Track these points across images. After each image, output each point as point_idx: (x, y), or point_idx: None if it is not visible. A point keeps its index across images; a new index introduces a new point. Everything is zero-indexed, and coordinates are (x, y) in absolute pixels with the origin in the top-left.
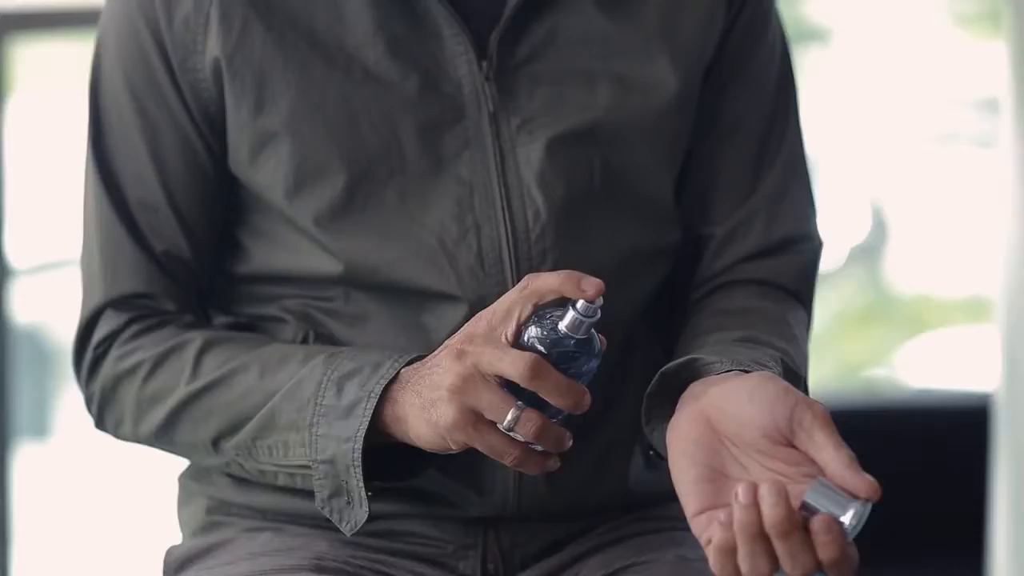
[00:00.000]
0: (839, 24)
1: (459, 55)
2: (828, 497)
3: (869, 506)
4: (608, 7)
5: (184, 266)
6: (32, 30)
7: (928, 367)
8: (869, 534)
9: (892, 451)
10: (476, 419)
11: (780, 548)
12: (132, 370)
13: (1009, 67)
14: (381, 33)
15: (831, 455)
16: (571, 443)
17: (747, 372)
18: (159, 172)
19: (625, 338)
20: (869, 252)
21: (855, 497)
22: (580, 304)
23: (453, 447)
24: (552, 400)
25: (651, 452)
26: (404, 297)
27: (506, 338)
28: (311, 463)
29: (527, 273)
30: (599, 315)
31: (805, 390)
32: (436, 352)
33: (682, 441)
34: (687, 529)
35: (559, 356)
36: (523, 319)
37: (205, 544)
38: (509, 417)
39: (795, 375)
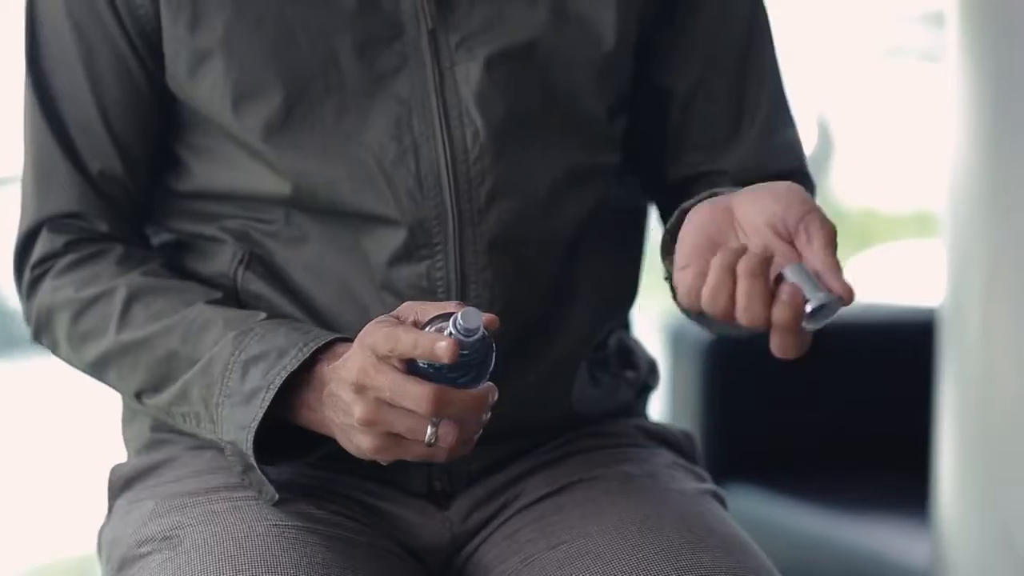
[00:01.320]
0: None
1: None
2: (804, 279)
3: (836, 309)
4: None
5: (119, 185)
6: None
7: (875, 281)
8: (816, 447)
9: (840, 366)
10: (397, 439)
11: (742, 287)
12: (64, 305)
13: None
14: None
15: (821, 255)
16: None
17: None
18: (94, 91)
19: (566, 256)
20: (815, 166)
21: (828, 291)
22: (459, 323)
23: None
24: (463, 417)
25: (665, 278)
26: (343, 219)
27: (398, 365)
28: (219, 440)
29: (466, 194)
30: (481, 331)
31: None
32: (346, 355)
33: (698, 215)
34: (633, 445)
35: (455, 368)
36: (404, 348)
37: (150, 462)
38: (428, 434)
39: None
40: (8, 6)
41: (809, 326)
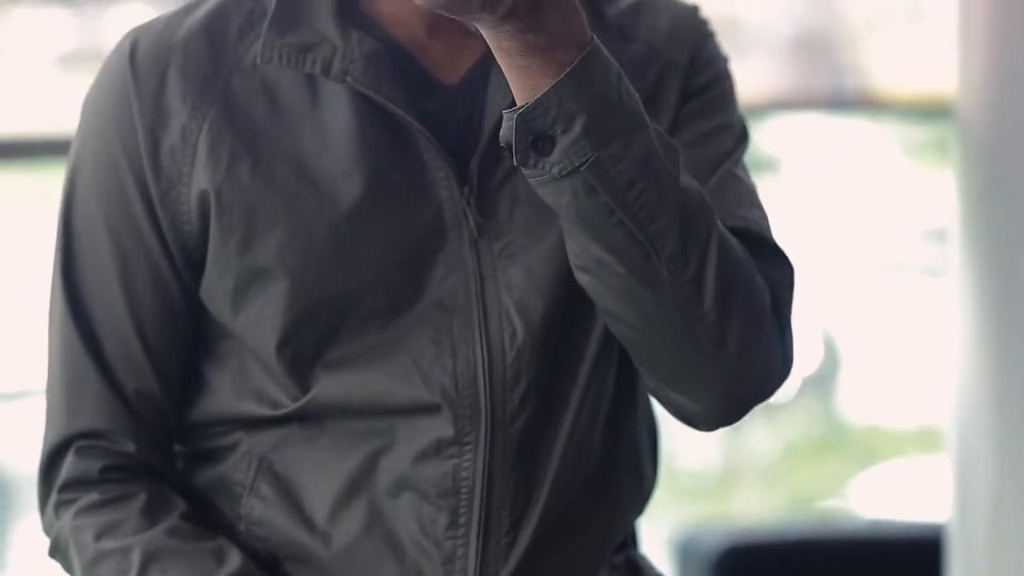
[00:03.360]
0: (788, 154)
1: (440, 180)
2: None
3: None
4: None
5: (153, 404)
6: None
7: (881, 498)
8: None
9: None
10: None
11: None
12: (83, 548)
13: (957, 197)
14: (365, 160)
15: None
16: None
17: None
18: (130, 306)
19: (593, 460)
20: (821, 382)
21: None
22: None
23: None
24: None
25: None
26: (369, 418)
27: None
28: None
29: (500, 396)
30: None
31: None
32: None
33: None
34: None
35: None
36: None
37: None
38: None
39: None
40: (24, 217)
41: None
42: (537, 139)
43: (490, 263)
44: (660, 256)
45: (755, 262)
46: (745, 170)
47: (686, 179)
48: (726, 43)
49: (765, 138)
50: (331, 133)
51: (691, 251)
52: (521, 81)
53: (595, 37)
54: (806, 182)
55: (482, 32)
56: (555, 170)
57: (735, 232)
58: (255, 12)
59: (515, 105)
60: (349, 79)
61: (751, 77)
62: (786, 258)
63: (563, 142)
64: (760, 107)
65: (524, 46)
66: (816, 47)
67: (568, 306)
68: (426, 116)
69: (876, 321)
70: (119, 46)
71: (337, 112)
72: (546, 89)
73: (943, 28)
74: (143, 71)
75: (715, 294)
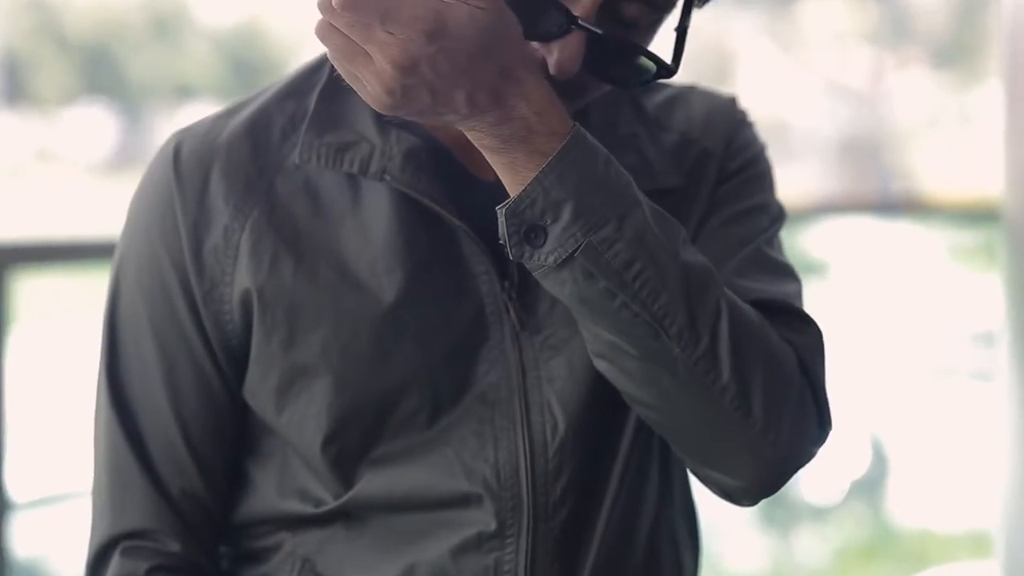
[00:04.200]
0: (836, 257)
1: (481, 275)
2: None
3: None
4: None
5: (198, 503)
6: (33, 263)
7: None
8: None
9: None
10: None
11: None
12: None
13: (1005, 301)
14: (407, 257)
15: None
16: None
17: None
18: (174, 405)
19: (640, 550)
20: (870, 486)
21: None
22: None
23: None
24: None
25: None
26: (410, 511)
27: None
28: None
29: (542, 487)
30: None
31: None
32: None
33: None
34: None
35: None
36: None
37: None
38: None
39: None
40: (72, 320)
41: None
42: (529, 231)
43: (532, 356)
44: (669, 334)
45: (781, 329)
46: (779, 248)
47: (688, 253)
48: (774, 147)
49: (813, 241)
50: (372, 231)
51: (701, 325)
52: (508, 176)
53: (577, 124)
54: (854, 285)
55: (464, 133)
56: (550, 260)
57: (760, 303)
58: (297, 114)
59: None
60: (387, 177)
61: (799, 181)
62: (813, 323)
63: (554, 231)
64: (808, 211)
65: (501, 140)
66: (863, 151)
67: (607, 397)
68: (465, 212)
69: (924, 424)
70: (163, 148)
71: (378, 210)
72: (529, 181)
73: (990, 132)
74: (187, 172)
75: (732, 366)
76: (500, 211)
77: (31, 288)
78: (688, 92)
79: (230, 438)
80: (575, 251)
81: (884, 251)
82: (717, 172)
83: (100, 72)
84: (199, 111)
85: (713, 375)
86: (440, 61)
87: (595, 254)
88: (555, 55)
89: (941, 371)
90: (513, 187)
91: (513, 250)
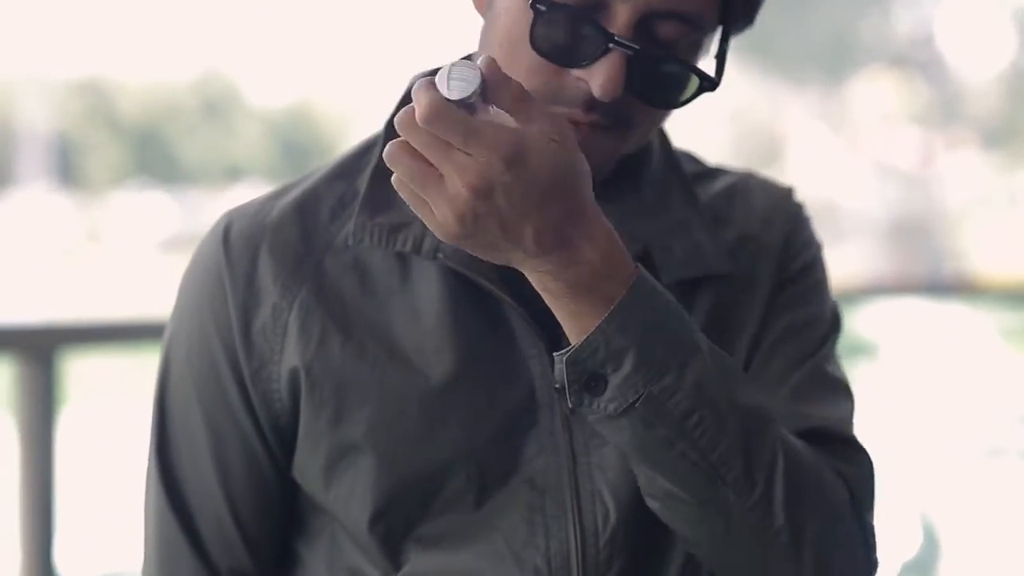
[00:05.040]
0: (886, 338)
1: (532, 358)
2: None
3: (475, 78)
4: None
5: None
6: (83, 344)
7: None
8: None
9: None
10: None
11: None
12: None
13: None
14: (457, 336)
15: None
16: None
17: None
18: (223, 484)
19: None
20: (921, 567)
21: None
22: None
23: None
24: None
25: None
26: None
27: None
28: None
29: None
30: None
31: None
32: None
33: None
34: None
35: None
36: None
37: None
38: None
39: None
40: (121, 400)
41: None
42: (590, 379)
43: (582, 442)
44: (726, 481)
45: (833, 460)
46: (835, 362)
47: (745, 396)
48: (824, 228)
49: (863, 322)
50: (421, 309)
51: (757, 472)
52: (569, 322)
53: (640, 267)
54: (904, 366)
55: (527, 276)
56: (610, 408)
57: (813, 432)
58: (347, 194)
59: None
60: (441, 255)
61: (849, 262)
62: (865, 454)
63: (615, 380)
64: (858, 292)
65: (566, 286)
66: (913, 232)
67: None
68: (517, 293)
69: (975, 505)
70: (214, 228)
71: (427, 289)
72: (592, 330)
73: None
74: (236, 252)
75: (785, 510)
76: (560, 358)
77: (82, 368)
78: (745, 182)
79: (279, 516)
80: (636, 401)
81: (934, 332)
82: (775, 273)
83: (151, 154)
84: (249, 192)
85: (767, 520)
86: (515, 190)
87: (656, 404)
88: (597, 79)
89: (991, 452)
90: (574, 333)
91: (572, 399)
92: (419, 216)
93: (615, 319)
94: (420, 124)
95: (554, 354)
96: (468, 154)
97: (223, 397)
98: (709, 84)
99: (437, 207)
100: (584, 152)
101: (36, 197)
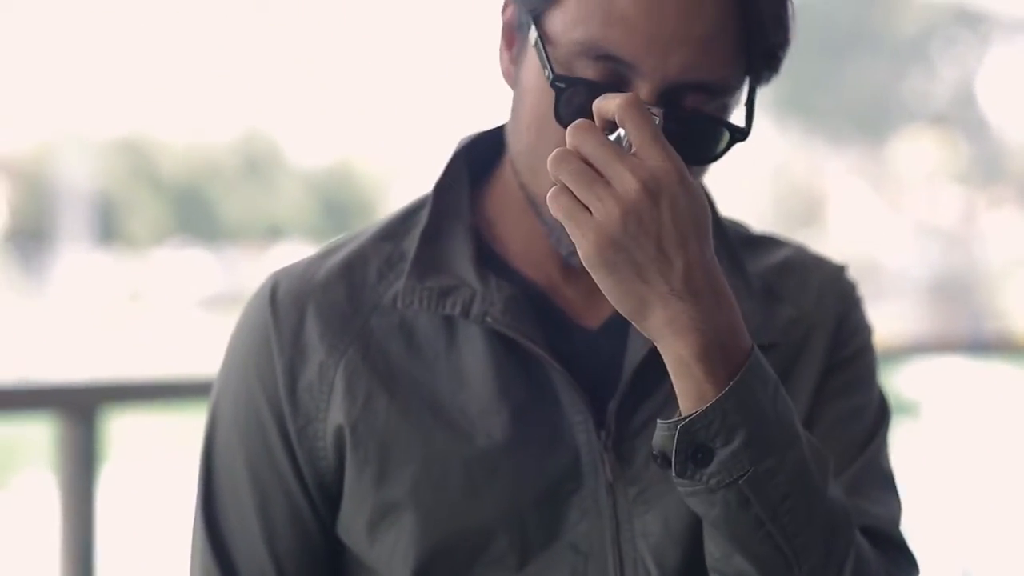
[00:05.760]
0: (928, 397)
1: (578, 423)
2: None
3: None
4: None
5: None
6: (125, 402)
7: None
8: None
9: None
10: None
11: None
12: None
13: None
14: (503, 401)
15: None
16: None
17: None
18: (269, 541)
19: None
20: None
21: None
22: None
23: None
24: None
25: None
26: None
27: None
28: None
29: None
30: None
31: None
32: None
33: None
34: None
35: None
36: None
37: None
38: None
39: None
40: (164, 458)
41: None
42: (696, 450)
43: (626, 508)
44: (802, 569)
45: (885, 564)
46: (887, 455)
47: (833, 489)
48: (865, 287)
49: (905, 381)
50: (467, 372)
51: (831, 565)
52: (688, 388)
53: (755, 346)
54: (946, 425)
55: (657, 344)
56: (712, 482)
57: (865, 530)
58: (394, 255)
59: (654, 348)
60: (489, 319)
61: (890, 321)
62: (911, 555)
63: (722, 455)
64: (899, 350)
65: (699, 346)
66: (955, 291)
67: (703, 557)
68: (564, 358)
69: (1019, 565)
70: (261, 288)
71: (474, 352)
72: (712, 401)
73: None
74: (283, 310)
75: None
76: (673, 426)
77: (123, 426)
78: (798, 258)
79: (323, 573)
80: (740, 477)
81: (976, 391)
82: (826, 355)
83: (192, 212)
84: (290, 251)
85: None
86: (681, 205)
87: (757, 483)
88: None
89: None
90: (689, 400)
91: (678, 467)
92: (568, 230)
93: (735, 394)
94: (586, 131)
95: (659, 420)
96: (634, 166)
97: (269, 454)
98: (740, 135)
99: (603, 204)
100: None
101: (78, 255)
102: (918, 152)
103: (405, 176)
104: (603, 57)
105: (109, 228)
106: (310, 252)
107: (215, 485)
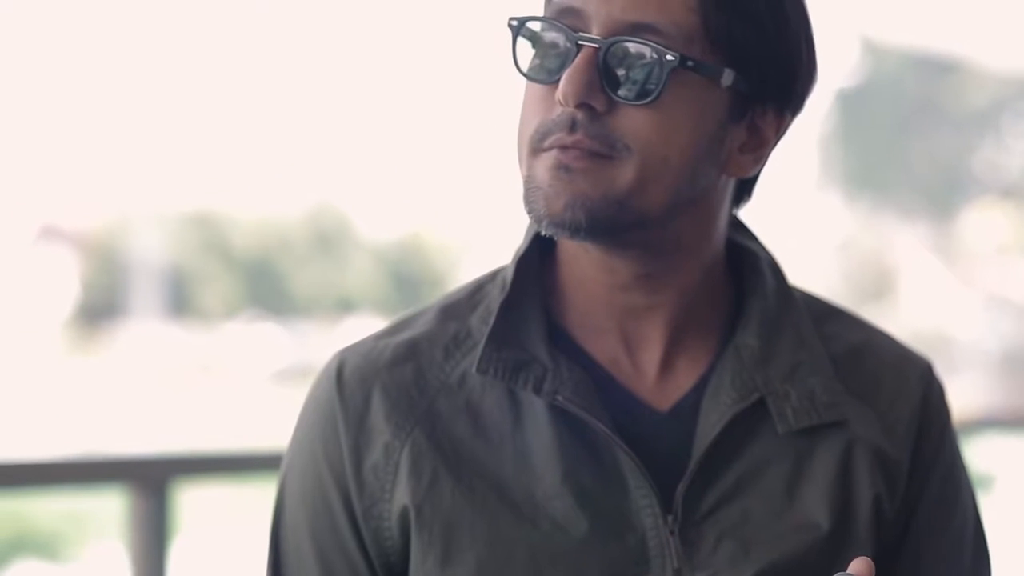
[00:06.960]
0: (1002, 471)
1: (644, 507)
2: None
3: None
4: (793, 456)
5: None
6: (195, 474)
7: None
8: None
9: None
10: None
11: None
12: None
13: None
14: (568, 483)
15: None
16: None
17: None
18: None
19: None
20: None
21: None
22: None
23: None
24: None
25: None
26: None
27: None
28: None
29: None
30: None
31: None
32: None
33: None
34: None
35: None
36: None
37: None
38: None
39: None
40: (233, 531)
41: None
42: None
43: None
44: None
45: None
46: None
47: None
48: (936, 360)
49: (977, 456)
50: (533, 454)
51: None
52: None
53: None
54: (1021, 500)
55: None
56: None
57: None
58: (460, 333)
59: (723, 432)
60: (560, 398)
61: (962, 394)
62: None
63: None
64: (972, 424)
65: None
66: None
67: None
68: (632, 441)
69: None
70: (327, 366)
71: (540, 434)
72: None
73: None
74: (349, 391)
75: None
76: None
77: (194, 499)
78: (877, 346)
79: None
80: None
81: None
82: (911, 445)
83: (263, 286)
84: (361, 324)
85: None
86: None
87: None
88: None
89: None
90: None
91: None
92: None
93: None
94: None
95: None
96: None
97: (335, 533)
98: (695, 66)
99: None
100: (580, 186)
101: (150, 328)
102: (988, 224)
103: (475, 248)
104: (564, 11)
105: (181, 301)
106: (381, 325)
107: (283, 560)
